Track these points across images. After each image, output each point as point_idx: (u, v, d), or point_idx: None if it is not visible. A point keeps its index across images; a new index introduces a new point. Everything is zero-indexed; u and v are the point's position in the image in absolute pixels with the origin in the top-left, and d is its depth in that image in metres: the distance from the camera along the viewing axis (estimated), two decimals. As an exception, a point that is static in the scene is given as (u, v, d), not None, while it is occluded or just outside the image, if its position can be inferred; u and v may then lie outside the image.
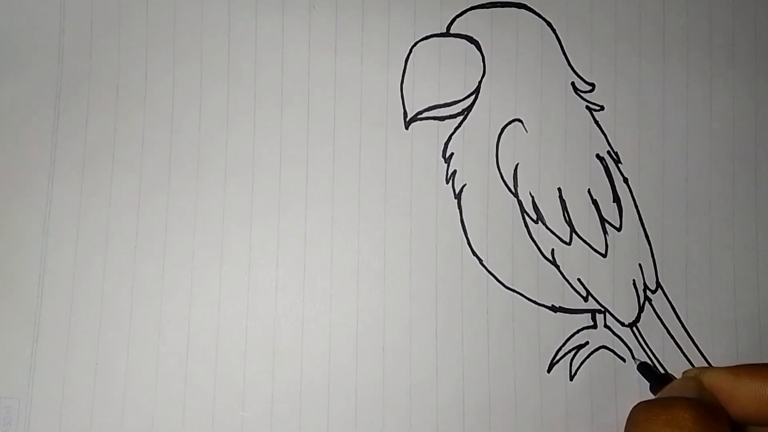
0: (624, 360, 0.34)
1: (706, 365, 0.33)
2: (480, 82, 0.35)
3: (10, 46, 0.34)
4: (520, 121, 0.34)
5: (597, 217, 0.34)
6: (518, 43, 0.35)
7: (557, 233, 0.34)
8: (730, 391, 0.26)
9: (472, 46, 0.35)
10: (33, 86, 0.34)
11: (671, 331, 0.34)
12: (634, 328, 0.34)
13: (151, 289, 0.33)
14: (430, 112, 0.34)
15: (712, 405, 0.25)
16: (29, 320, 0.32)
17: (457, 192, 0.34)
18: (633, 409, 0.26)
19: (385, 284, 0.33)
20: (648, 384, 0.32)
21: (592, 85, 0.35)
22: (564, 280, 0.34)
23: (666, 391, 0.28)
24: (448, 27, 0.35)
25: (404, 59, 0.35)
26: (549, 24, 0.35)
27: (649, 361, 0.33)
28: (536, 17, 0.35)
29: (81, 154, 0.34)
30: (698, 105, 0.35)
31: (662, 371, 0.33)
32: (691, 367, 0.33)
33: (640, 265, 0.34)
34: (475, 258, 0.34)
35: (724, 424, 0.24)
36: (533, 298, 0.34)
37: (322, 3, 0.35)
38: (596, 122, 0.35)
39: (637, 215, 0.35)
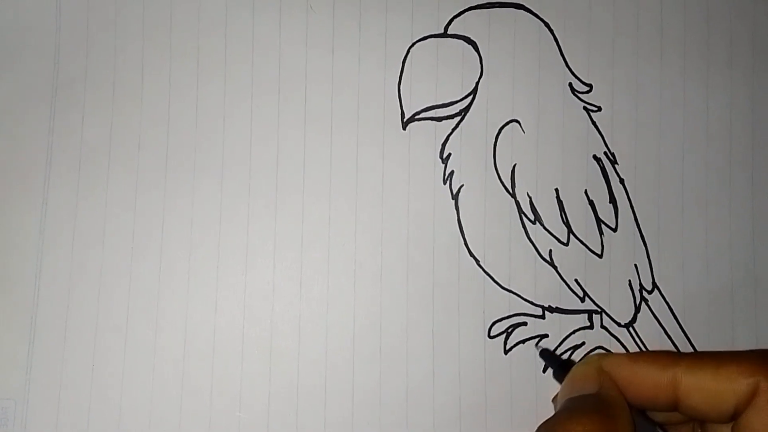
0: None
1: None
2: (477, 83, 0.35)
3: (6, 44, 0.34)
4: (517, 121, 0.34)
5: (593, 217, 0.34)
6: (516, 44, 0.35)
7: (555, 234, 0.34)
8: (629, 378, 0.26)
9: (470, 46, 0.35)
10: (29, 85, 0.34)
11: (668, 332, 0.34)
12: (631, 329, 0.34)
13: (147, 290, 0.33)
14: (428, 112, 0.34)
15: (609, 402, 0.25)
16: (26, 321, 0.32)
17: (454, 193, 0.34)
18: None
19: (382, 285, 0.33)
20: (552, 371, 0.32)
21: (590, 85, 0.35)
22: (561, 281, 0.34)
23: (566, 384, 0.28)
24: (446, 27, 0.35)
25: (402, 59, 0.34)
26: (547, 25, 0.35)
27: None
28: (534, 18, 0.35)
29: (77, 154, 0.33)
30: (695, 106, 0.35)
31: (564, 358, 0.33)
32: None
33: (635, 265, 0.34)
34: (472, 259, 0.34)
35: (624, 418, 0.25)
36: (530, 299, 0.34)
37: (319, 2, 0.35)
38: (593, 123, 0.35)
39: (632, 216, 0.35)
